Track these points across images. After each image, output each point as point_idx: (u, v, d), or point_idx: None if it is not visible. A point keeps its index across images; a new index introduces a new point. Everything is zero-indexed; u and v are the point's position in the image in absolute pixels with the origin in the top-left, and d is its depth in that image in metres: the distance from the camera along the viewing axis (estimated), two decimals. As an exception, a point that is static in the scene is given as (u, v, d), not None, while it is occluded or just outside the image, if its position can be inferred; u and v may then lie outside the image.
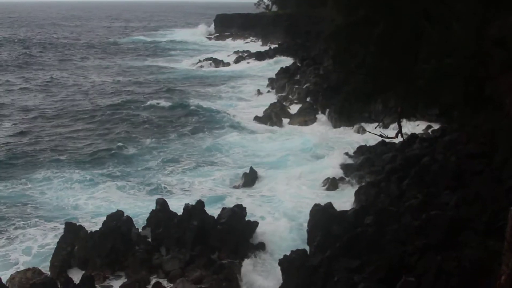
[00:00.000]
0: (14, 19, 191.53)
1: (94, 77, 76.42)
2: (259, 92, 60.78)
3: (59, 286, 20.35)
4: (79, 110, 54.24)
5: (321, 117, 47.35)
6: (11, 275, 22.89)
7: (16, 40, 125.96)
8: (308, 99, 52.23)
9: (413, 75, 12.19)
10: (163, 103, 56.75)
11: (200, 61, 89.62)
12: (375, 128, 19.23)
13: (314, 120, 47.26)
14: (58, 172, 35.42)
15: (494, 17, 12.56)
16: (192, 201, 27.33)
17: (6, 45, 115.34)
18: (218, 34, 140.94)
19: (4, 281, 21.13)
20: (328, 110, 46.41)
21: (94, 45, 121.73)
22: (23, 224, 27.79)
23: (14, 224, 27.78)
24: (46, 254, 24.75)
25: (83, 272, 22.81)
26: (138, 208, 29.18)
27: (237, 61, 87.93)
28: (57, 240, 24.70)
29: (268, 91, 61.48)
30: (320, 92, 51.28)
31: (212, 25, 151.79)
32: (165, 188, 32.86)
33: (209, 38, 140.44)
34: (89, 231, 24.77)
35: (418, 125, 37.46)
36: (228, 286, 21.61)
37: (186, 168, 36.54)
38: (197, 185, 33.52)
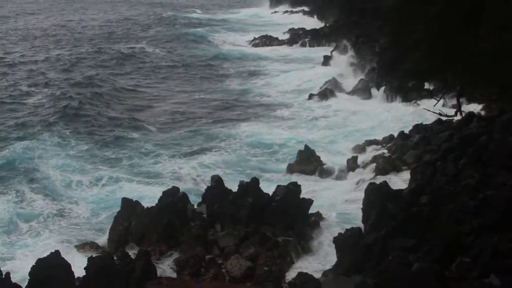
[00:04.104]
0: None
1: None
2: (315, 69, 60.65)
3: (116, 261, 20.70)
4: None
5: (376, 95, 46.93)
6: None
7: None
8: (363, 77, 51.80)
9: (473, 53, 11.97)
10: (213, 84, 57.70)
11: (255, 38, 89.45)
12: (434, 106, 19.00)
13: (369, 97, 47.01)
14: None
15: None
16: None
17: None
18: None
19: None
20: (383, 87, 45.99)
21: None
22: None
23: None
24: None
25: (139, 247, 23.23)
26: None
27: (292, 39, 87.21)
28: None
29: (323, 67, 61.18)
30: (375, 69, 50.83)
31: None
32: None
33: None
34: (145, 207, 25.23)
35: (476, 104, 36.88)
36: (282, 263, 21.75)
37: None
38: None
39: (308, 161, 32.16)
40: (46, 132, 39.49)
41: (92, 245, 24.04)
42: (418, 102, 41.47)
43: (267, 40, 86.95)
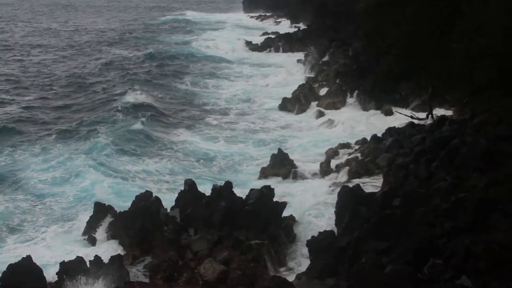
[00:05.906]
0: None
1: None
2: (288, 73, 60.63)
3: (89, 265, 20.54)
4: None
5: (350, 99, 46.89)
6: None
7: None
8: (337, 81, 51.73)
9: (446, 55, 12.04)
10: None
11: (228, 42, 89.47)
12: (406, 109, 19.11)
13: (343, 102, 46.78)
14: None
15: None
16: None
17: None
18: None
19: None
20: (356, 91, 46.08)
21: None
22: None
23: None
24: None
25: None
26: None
27: (265, 43, 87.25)
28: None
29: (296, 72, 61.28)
30: (349, 73, 50.90)
31: None
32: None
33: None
34: (118, 212, 25.08)
35: (447, 108, 37.13)
36: (256, 266, 21.70)
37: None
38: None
39: (281, 165, 32.17)
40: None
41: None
42: (391, 105, 41.71)
43: (241, 44, 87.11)
